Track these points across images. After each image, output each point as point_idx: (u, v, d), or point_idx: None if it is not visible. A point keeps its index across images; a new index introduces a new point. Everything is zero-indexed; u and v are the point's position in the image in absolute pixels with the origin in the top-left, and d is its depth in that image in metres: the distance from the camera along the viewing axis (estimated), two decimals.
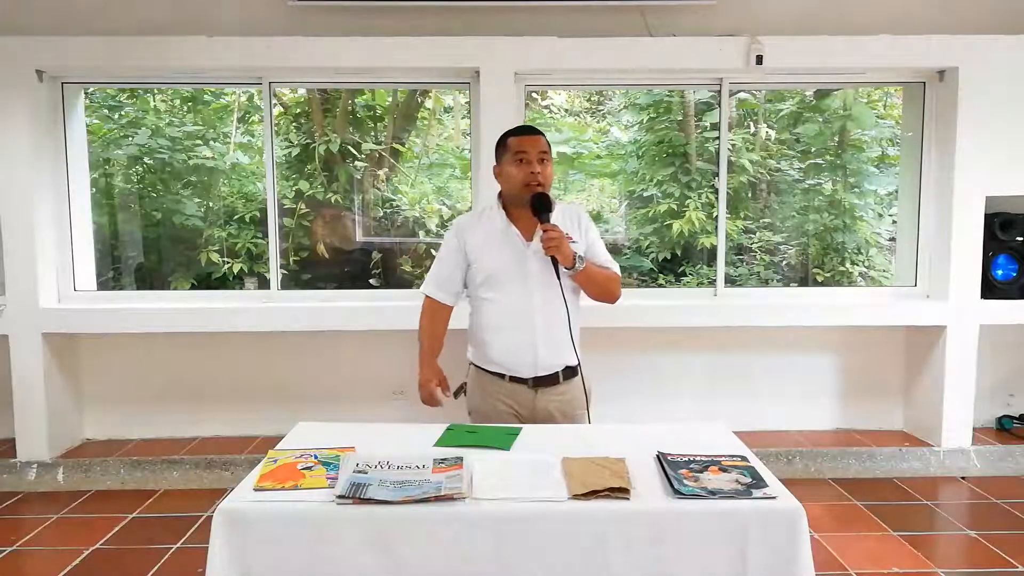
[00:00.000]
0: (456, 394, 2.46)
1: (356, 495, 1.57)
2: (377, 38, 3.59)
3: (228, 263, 4.73)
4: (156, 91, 4.90)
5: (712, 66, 3.71)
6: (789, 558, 1.53)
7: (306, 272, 4.76)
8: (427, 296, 2.46)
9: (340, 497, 1.57)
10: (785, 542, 1.54)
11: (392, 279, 4.81)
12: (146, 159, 4.88)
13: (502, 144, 2.37)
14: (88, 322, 3.71)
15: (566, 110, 5.92)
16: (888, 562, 2.79)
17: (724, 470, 1.72)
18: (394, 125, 5.20)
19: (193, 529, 3.09)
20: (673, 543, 1.53)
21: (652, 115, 5.39)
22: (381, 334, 3.78)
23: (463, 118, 4.95)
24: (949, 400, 3.77)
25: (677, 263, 5.19)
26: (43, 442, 3.68)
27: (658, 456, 1.80)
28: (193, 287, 4.69)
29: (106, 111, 4.83)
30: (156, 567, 2.77)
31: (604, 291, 2.38)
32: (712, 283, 4.07)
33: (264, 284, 4.24)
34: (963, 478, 3.67)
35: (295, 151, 4.93)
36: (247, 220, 4.82)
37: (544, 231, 2.19)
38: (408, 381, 3.87)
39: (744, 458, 1.81)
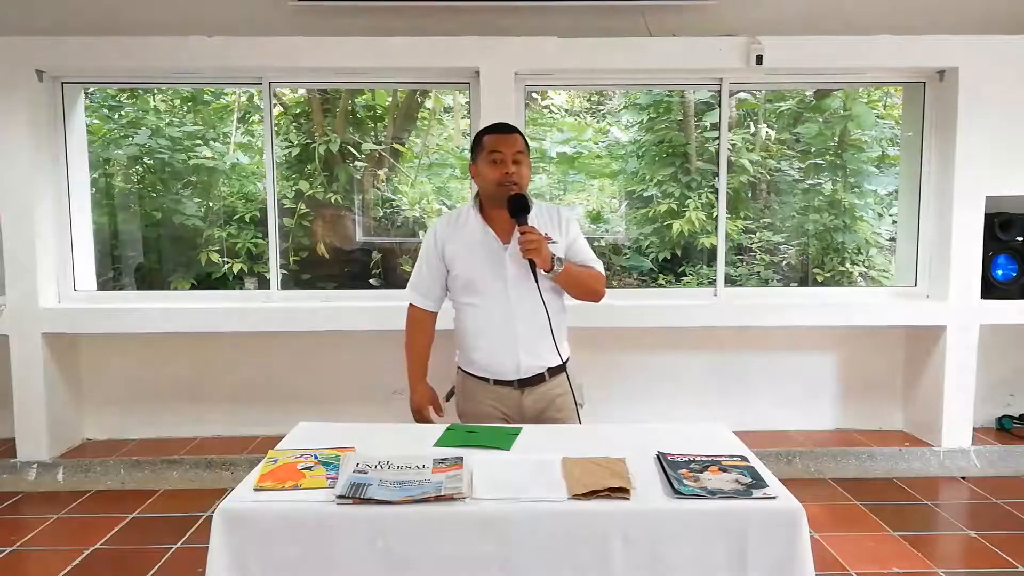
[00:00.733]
0: (447, 397, 2.47)
1: (356, 495, 1.57)
2: (377, 38, 3.59)
3: (228, 263, 4.73)
4: (156, 91, 4.90)
5: (712, 66, 3.70)
6: (789, 558, 1.53)
7: (306, 272, 4.76)
8: (411, 304, 2.43)
9: (340, 497, 1.57)
10: (785, 542, 1.53)
11: (392, 279, 4.81)
12: (146, 159, 4.88)
13: (477, 142, 2.32)
14: (88, 322, 3.71)
15: (566, 110, 5.92)
16: (888, 562, 2.78)
17: (724, 470, 1.72)
18: (394, 125, 5.20)
19: (193, 529, 3.09)
20: (673, 543, 1.53)
21: (652, 115, 5.39)
22: (381, 334, 3.78)
23: (463, 118, 4.96)
24: (949, 400, 3.77)
25: (677, 263, 5.19)
26: (43, 442, 3.67)
27: (658, 456, 1.80)
28: (193, 287, 4.70)
29: (106, 111, 4.83)
30: (156, 567, 2.77)
31: (587, 291, 2.34)
32: (712, 283, 4.07)
33: (264, 284, 4.24)
34: (963, 478, 3.67)
35: (295, 151, 4.93)
36: (247, 220, 4.82)
37: (521, 233, 2.14)
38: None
39: (744, 458, 1.81)
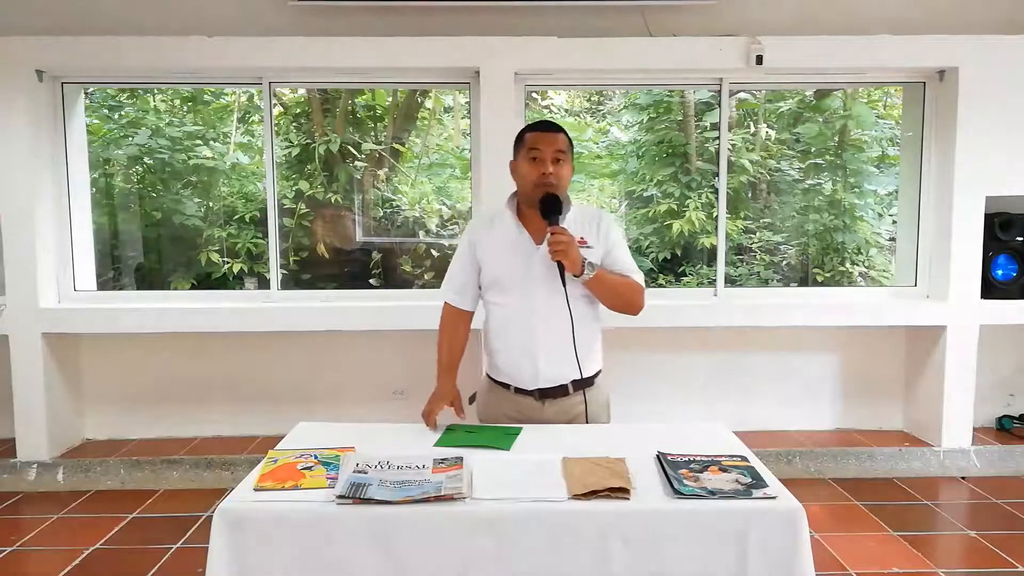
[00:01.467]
0: (470, 401, 2.40)
1: (356, 495, 1.57)
2: (377, 38, 3.59)
3: (228, 263, 4.73)
4: (156, 91, 4.90)
5: (712, 66, 3.70)
6: (789, 558, 1.53)
7: (306, 272, 4.76)
8: (445, 302, 2.35)
9: (340, 497, 1.57)
10: (785, 542, 1.53)
11: (392, 279, 4.82)
12: (146, 159, 4.88)
13: (519, 139, 2.21)
14: (88, 322, 3.71)
15: (566, 110, 5.92)
16: (888, 562, 2.78)
17: (724, 470, 1.72)
18: (394, 125, 5.20)
19: (193, 529, 3.09)
20: (673, 543, 1.53)
21: (652, 115, 5.40)
22: (381, 334, 3.79)
23: (463, 118, 4.96)
24: (949, 400, 3.77)
25: (677, 263, 5.19)
26: (43, 442, 3.67)
27: (658, 456, 1.80)
28: (193, 287, 4.70)
29: (106, 111, 4.83)
30: (156, 567, 2.77)
31: (621, 301, 2.18)
32: (712, 283, 4.07)
33: (264, 284, 4.24)
34: (963, 478, 3.67)
35: (295, 151, 4.93)
36: (247, 220, 4.82)
37: (551, 234, 2.03)
38: (408, 381, 3.92)
39: (744, 458, 1.81)
